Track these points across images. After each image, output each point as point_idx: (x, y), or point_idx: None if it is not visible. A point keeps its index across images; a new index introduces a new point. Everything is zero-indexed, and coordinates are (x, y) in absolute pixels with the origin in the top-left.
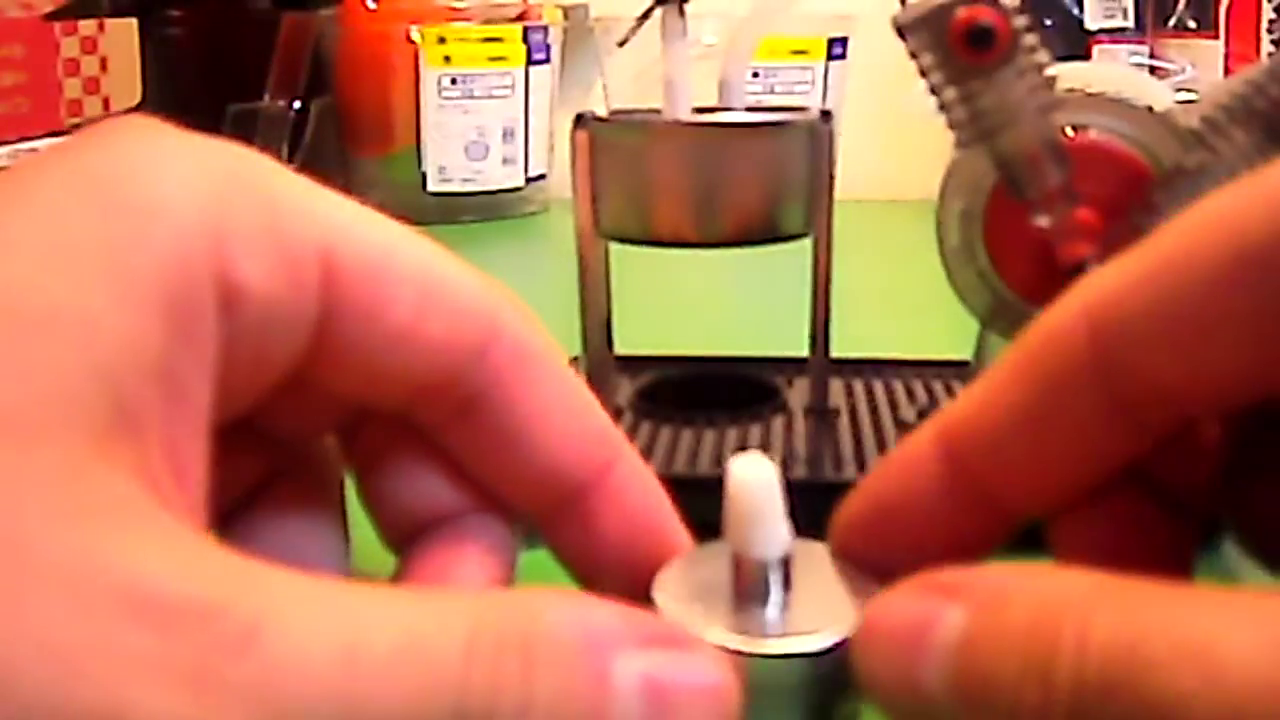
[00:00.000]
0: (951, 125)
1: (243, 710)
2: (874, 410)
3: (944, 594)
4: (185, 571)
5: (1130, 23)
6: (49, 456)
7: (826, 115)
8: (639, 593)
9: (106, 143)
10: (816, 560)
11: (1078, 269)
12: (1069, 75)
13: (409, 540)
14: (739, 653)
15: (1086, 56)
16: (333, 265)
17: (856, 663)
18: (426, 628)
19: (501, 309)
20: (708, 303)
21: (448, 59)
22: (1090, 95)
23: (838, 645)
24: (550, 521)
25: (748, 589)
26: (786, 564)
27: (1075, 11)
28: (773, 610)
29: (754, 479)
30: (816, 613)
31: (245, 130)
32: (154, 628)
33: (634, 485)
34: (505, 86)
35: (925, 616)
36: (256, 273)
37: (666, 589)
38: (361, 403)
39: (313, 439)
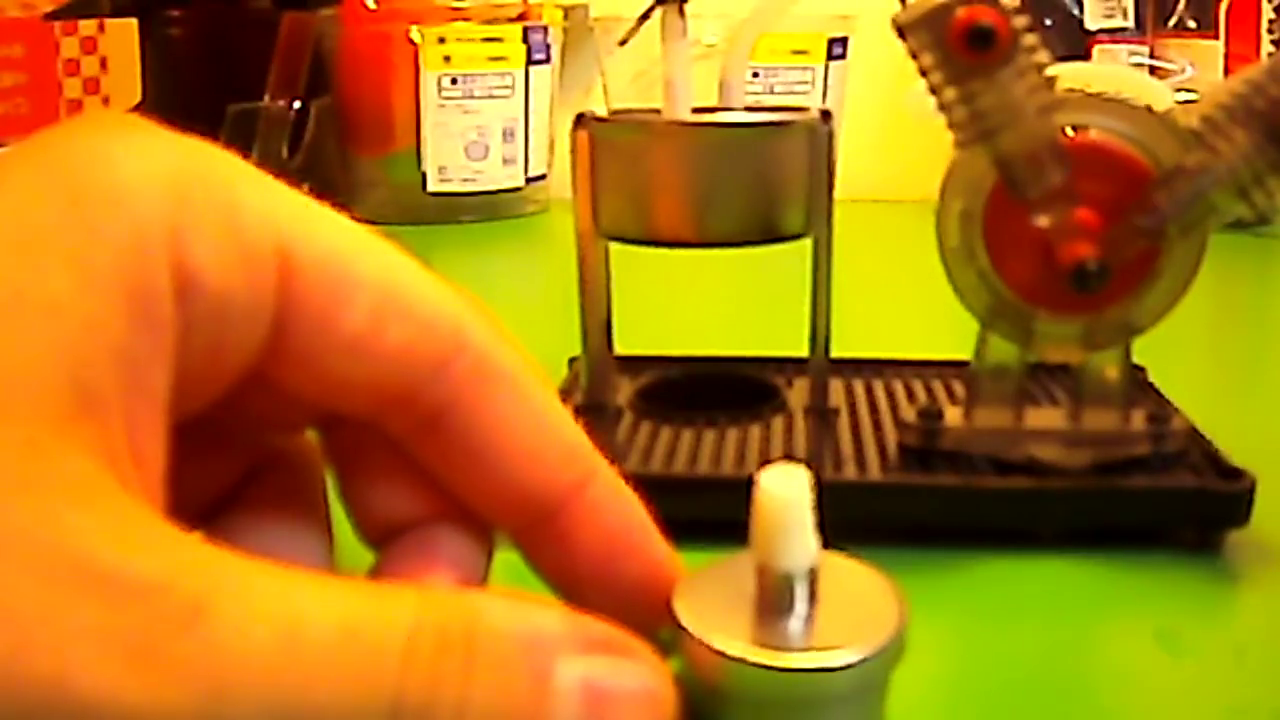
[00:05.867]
0: (951, 125)
1: (183, 686)
2: (874, 410)
3: None
4: (136, 549)
5: (1130, 23)
6: (11, 434)
7: (826, 115)
8: (621, 609)
9: (74, 136)
10: (844, 573)
11: (1078, 269)
12: (1069, 75)
13: (383, 541)
14: (760, 666)
15: (1086, 56)
16: (290, 264)
17: None
18: (368, 619)
19: (466, 321)
20: (708, 303)
21: (448, 59)
22: (1090, 95)
23: (861, 661)
24: (526, 539)
25: (772, 601)
26: (812, 577)
27: (1075, 11)
28: (796, 623)
29: (783, 492)
30: (841, 627)
31: (245, 130)
32: (102, 601)
33: (609, 502)
34: (505, 86)
35: None
36: (212, 264)
37: (687, 599)
38: (324, 408)
39: (290, 434)
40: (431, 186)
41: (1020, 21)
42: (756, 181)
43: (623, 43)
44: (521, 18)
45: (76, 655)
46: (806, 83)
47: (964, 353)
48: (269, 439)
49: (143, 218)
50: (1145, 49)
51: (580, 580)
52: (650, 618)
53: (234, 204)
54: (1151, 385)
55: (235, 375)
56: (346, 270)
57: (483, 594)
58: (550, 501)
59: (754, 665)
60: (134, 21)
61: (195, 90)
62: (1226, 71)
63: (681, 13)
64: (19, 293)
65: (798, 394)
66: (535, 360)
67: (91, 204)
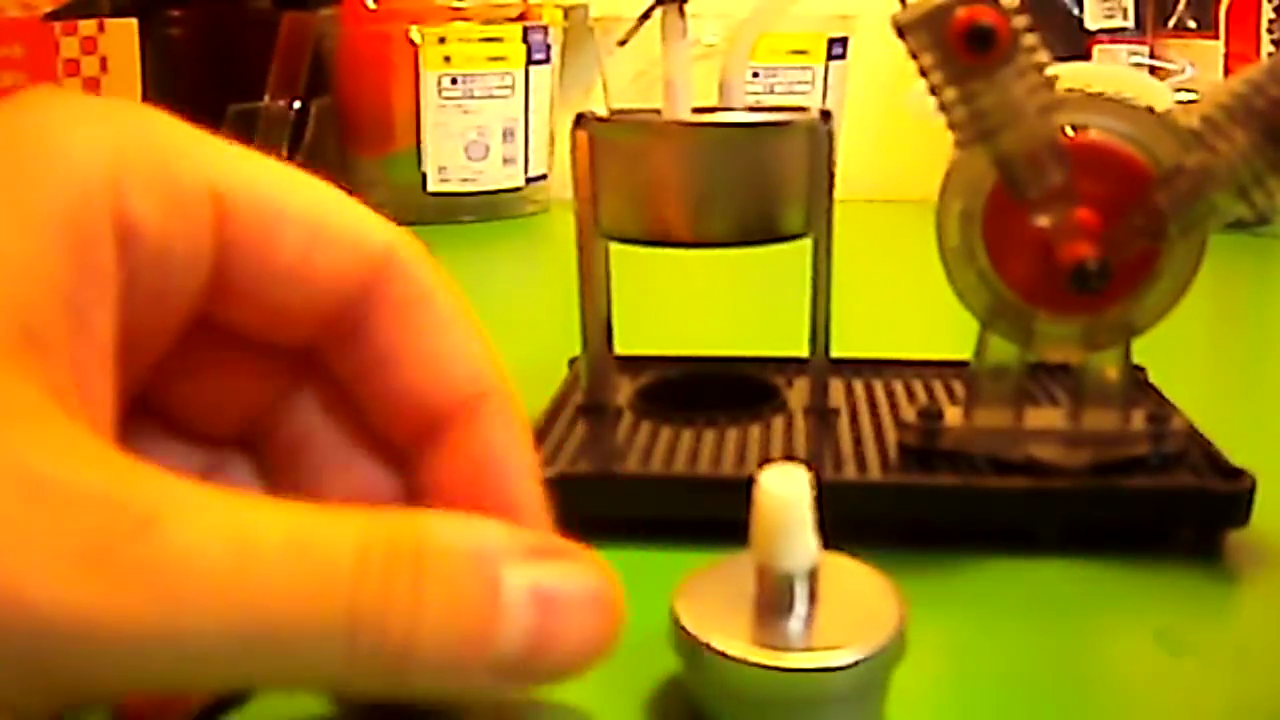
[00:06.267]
0: (951, 125)
1: (139, 592)
2: (874, 410)
3: None
4: (86, 466)
5: (1130, 23)
6: None
7: (826, 115)
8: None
9: (18, 105)
10: (844, 573)
11: (1078, 269)
12: (1069, 75)
13: None
14: (760, 666)
15: (1086, 56)
16: (224, 206)
17: None
18: (317, 534)
19: (393, 246)
20: (708, 303)
21: (448, 59)
22: (1090, 95)
23: (861, 661)
24: (415, 455)
25: (772, 601)
26: (813, 577)
27: (1075, 11)
28: (796, 623)
29: (783, 492)
30: (841, 627)
31: (245, 130)
32: (53, 511)
33: (493, 424)
34: (505, 86)
35: None
36: (150, 212)
37: (688, 598)
38: (266, 340)
39: (229, 431)
40: (431, 186)
41: (1020, 21)
42: (756, 181)
43: (623, 43)
44: (521, 18)
45: (30, 563)
46: (806, 83)
47: (964, 353)
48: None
49: (83, 171)
50: (1145, 49)
51: (447, 498)
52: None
53: (168, 156)
54: (1151, 385)
55: (180, 319)
56: (276, 206)
57: (427, 512)
58: (440, 414)
59: (754, 665)
60: (134, 21)
61: (195, 90)
62: (1226, 71)
63: (681, 13)
64: None
65: (798, 394)
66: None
67: (33, 160)
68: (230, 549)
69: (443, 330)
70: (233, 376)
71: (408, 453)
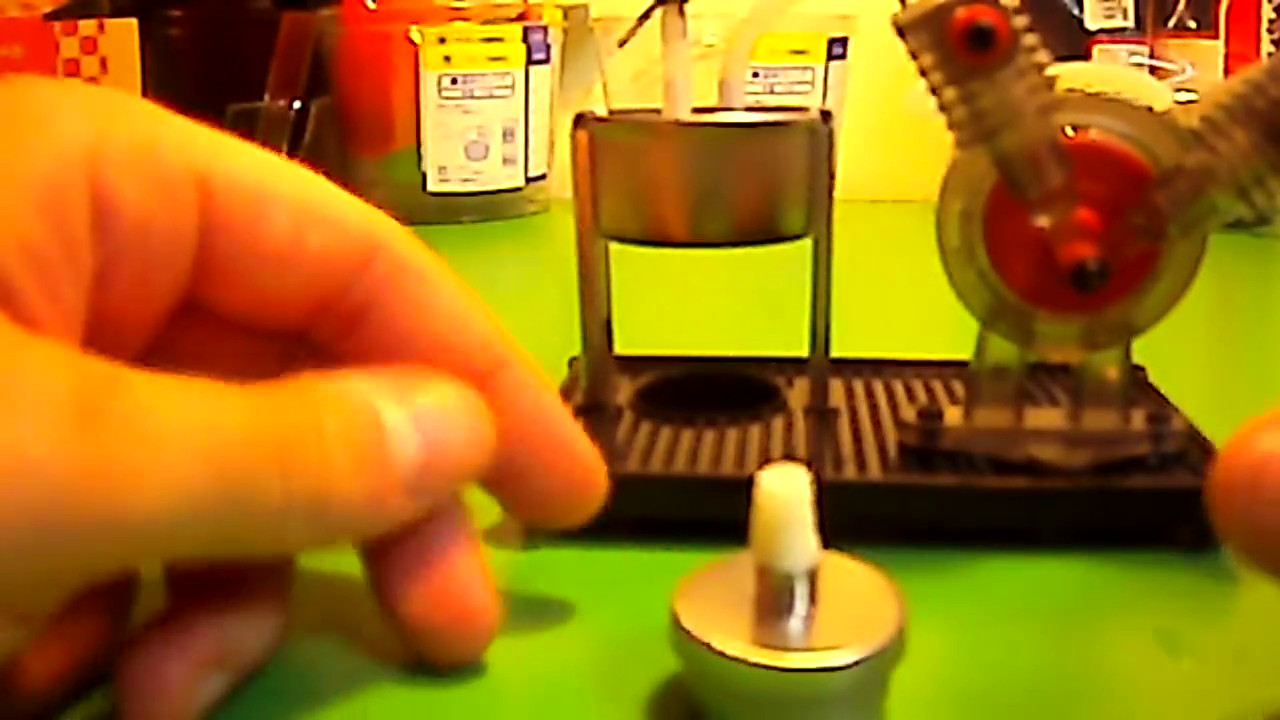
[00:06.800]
0: (951, 125)
1: (129, 444)
2: (874, 410)
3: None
4: (50, 347)
5: (1130, 23)
6: None
7: (826, 115)
8: (530, 494)
9: (6, 83)
10: (844, 573)
11: (1078, 269)
12: (1069, 75)
13: None
14: (760, 666)
15: (1086, 56)
16: (209, 189)
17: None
18: (252, 400)
19: (379, 227)
20: (708, 303)
21: (448, 59)
22: (1090, 95)
23: (861, 661)
24: None
25: (772, 601)
26: (813, 577)
27: (1075, 11)
28: (796, 623)
29: (783, 491)
30: (841, 627)
31: (245, 130)
32: (35, 374)
33: (518, 390)
34: (505, 86)
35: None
36: (130, 191)
37: (687, 598)
38: (257, 326)
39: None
40: (431, 186)
41: (1020, 21)
42: (756, 181)
43: (623, 43)
44: (521, 18)
45: (26, 418)
46: (806, 83)
47: (964, 353)
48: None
49: (63, 140)
50: (1145, 49)
51: (494, 469)
52: (556, 496)
53: (152, 138)
54: (1151, 385)
55: (166, 302)
56: (263, 188)
57: (318, 381)
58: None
59: (754, 665)
60: (134, 21)
61: (195, 90)
62: (1226, 71)
63: (681, 13)
64: None
65: (798, 394)
66: (534, 359)
67: (14, 130)
68: (199, 402)
69: (446, 307)
70: (220, 361)
71: None
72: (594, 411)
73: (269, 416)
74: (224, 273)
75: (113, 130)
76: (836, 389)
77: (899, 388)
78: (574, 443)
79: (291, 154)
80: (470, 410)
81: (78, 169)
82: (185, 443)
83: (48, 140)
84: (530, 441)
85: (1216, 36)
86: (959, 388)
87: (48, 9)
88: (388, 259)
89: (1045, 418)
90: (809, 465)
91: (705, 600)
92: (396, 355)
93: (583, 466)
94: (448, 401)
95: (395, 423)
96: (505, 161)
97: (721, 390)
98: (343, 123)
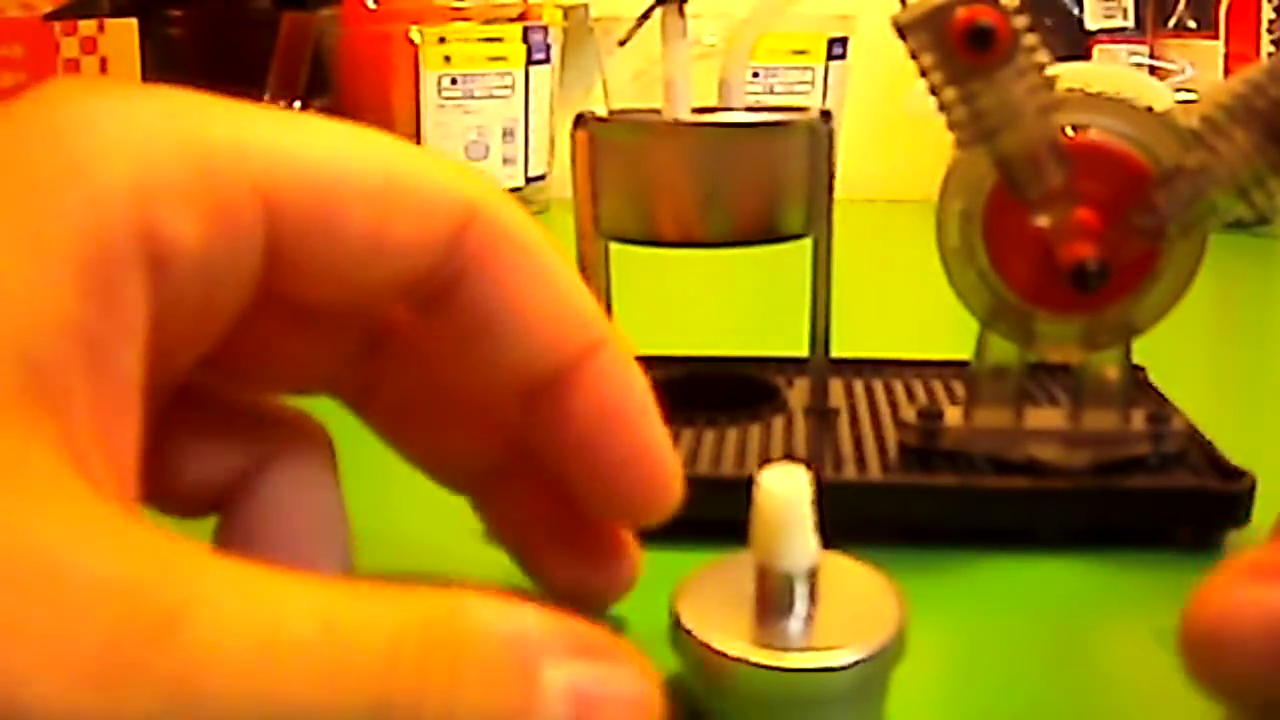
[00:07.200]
0: (951, 125)
1: (153, 701)
2: (874, 410)
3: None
4: (105, 550)
5: (1130, 23)
6: None
7: (826, 115)
8: (602, 484)
9: (35, 107)
10: (844, 573)
11: (1078, 269)
12: (1069, 75)
13: (470, 487)
14: (760, 666)
15: (1086, 56)
16: (275, 199)
17: (1197, 664)
18: (349, 621)
19: (475, 192)
20: (708, 303)
21: (448, 59)
22: (1090, 95)
23: (861, 661)
24: (526, 406)
25: (772, 601)
26: (813, 577)
27: (1075, 11)
28: (796, 623)
29: (783, 491)
30: (841, 627)
31: None
32: (63, 607)
33: (612, 373)
34: (505, 86)
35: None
36: (189, 227)
37: (688, 598)
38: (338, 310)
39: (295, 392)
40: None
41: (1020, 21)
42: (756, 181)
43: (623, 43)
44: (521, 18)
45: (30, 666)
46: (806, 83)
47: (964, 353)
48: (275, 417)
49: (104, 189)
50: (1145, 49)
51: (568, 449)
52: (627, 496)
53: (204, 152)
54: (1151, 385)
55: (231, 313)
56: (336, 182)
57: (468, 593)
58: (558, 365)
59: (754, 665)
60: (134, 21)
61: (195, 91)
62: (1226, 71)
63: (681, 13)
64: None
65: (798, 394)
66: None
67: (47, 182)
68: (258, 640)
69: (545, 285)
70: (294, 348)
71: (510, 409)
72: None
73: (378, 657)
74: (298, 274)
75: (160, 153)
76: (836, 389)
77: (899, 388)
78: (657, 441)
79: None
80: (641, 710)
81: (124, 216)
82: (238, 698)
83: (86, 187)
84: (612, 435)
85: (1216, 36)
86: (959, 388)
87: (48, 9)
88: (484, 227)
89: (1045, 418)
90: (809, 465)
91: (705, 600)
92: (491, 329)
93: (661, 467)
94: (621, 688)
95: (552, 687)
96: (505, 161)
97: (721, 390)
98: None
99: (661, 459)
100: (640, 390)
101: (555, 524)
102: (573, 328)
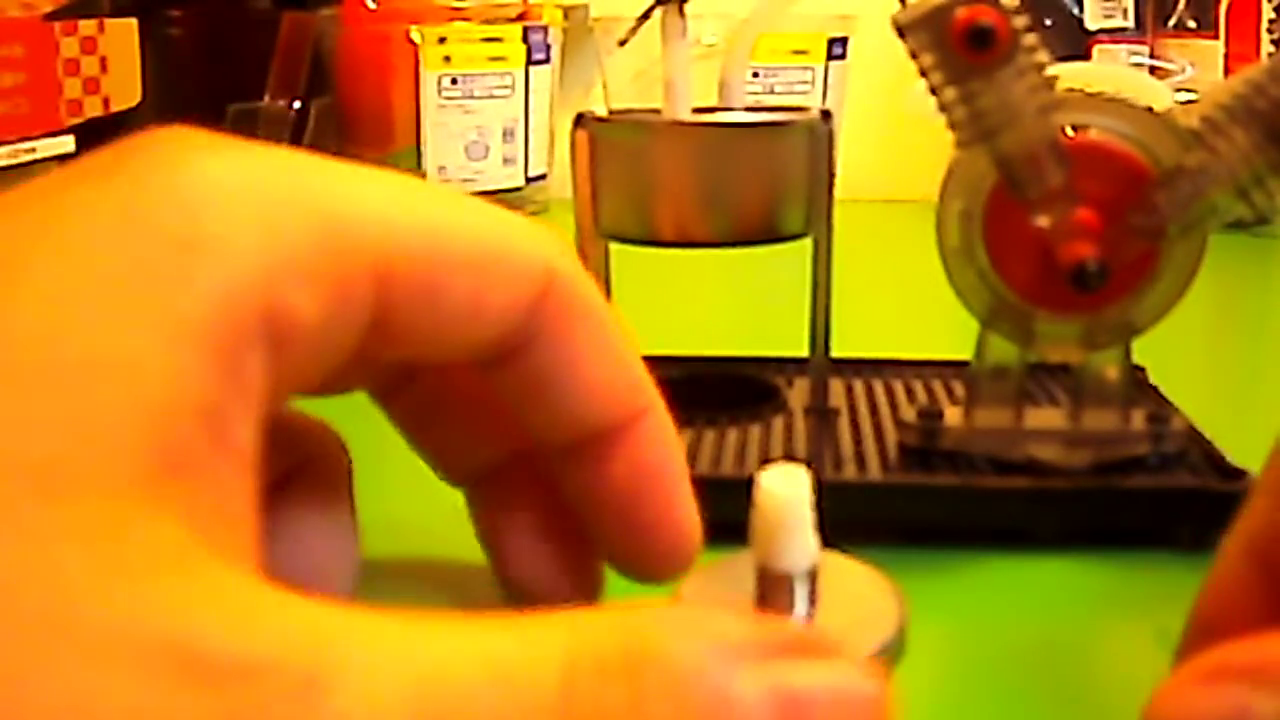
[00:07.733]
0: (951, 125)
1: None
2: (874, 410)
3: (1244, 680)
4: (238, 625)
5: (1130, 23)
6: (90, 509)
7: (826, 115)
8: (629, 544)
9: (139, 165)
10: (844, 573)
11: (1078, 269)
12: (1069, 75)
13: (469, 481)
14: None
15: (1086, 56)
16: (387, 276)
17: None
18: (515, 655)
19: (553, 259)
20: (708, 303)
21: (448, 59)
22: (1090, 95)
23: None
24: (568, 458)
25: (771, 601)
26: (813, 577)
27: (1075, 11)
28: (796, 623)
29: (783, 491)
30: (841, 628)
31: (245, 130)
32: (205, 687)
33: (654, 440)
34: (505, 86)
35: (1235, 712)
36: (311, 305)
37: (687, 598)
38: (416, 366)
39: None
40: None
41: (1020, 21)
42: (756, 181)
43: (623, 43)
44: (521, 18)
45: None
46: (806, 83)
47: (964, 353)
48: (299, 428)
49: (232, 266)
50: (1145, 49)
51: (601, 504)
52: (649, 555)
53: (327, 224)
54: (1151, 385)
55: (328, 375)
56: (442, 256)
57: (640, 610)
58: (606, 427)
59: None
60: (134, 21)
61: (195, 90)
62: (1226, 71)
63: (681, 13)
64: (93, 353)
65: (798, 394)
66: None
67: (172, 251)
68: (413, 693)
69: (605, 349)
70: (351, 375)
71: (553, 460)
72: None
73: (550, 694)
74: (396, 339)
75: (286, 224)
76: (836, 389)
77: (899, 388)
78: (686, 509)
79: None
80: (862, 706)
81: (252, 292)
82: None
83: (217, 261)
84: (646, 498)
85: (1216, 36)
86: (959, 388)
87: (48, 9)
88: (559, 292)
89: (1045, 418)
90: (809, 465)
91: (705, 600)
92: (550, 387)
93: (687, 536)
94: (833, 683)
95: (750, 700)
96: (505, 161)
97: (721, 390)
98: (343, 123)
99: (688, 529)
100: (678, 458)
101: (543, 528)
102: (626, 393)
